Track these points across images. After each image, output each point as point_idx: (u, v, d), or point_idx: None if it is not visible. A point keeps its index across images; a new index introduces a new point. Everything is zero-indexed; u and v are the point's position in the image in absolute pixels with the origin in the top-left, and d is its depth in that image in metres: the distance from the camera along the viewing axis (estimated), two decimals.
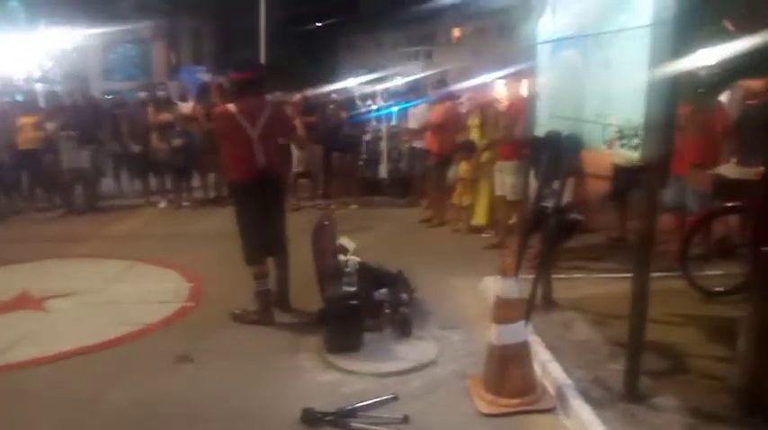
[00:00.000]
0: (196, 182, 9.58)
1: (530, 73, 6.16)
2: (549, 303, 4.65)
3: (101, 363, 4.07)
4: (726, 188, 4.94)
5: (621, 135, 4.04)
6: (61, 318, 4.90)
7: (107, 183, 9.89)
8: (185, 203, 9.20)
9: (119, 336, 4.45)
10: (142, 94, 9.69)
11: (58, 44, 15.73)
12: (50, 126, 8.66)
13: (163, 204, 9.20)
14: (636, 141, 3.76)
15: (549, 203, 4.48)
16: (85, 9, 16.31)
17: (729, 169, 5.10)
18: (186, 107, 9.23)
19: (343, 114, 9.22)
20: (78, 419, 3.39)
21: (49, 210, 9.00)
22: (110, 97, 11.46)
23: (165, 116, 9.05)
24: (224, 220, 8.12)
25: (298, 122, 5.96)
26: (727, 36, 3.72)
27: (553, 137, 4.97)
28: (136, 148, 9.13)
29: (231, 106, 4.52)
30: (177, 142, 8.91)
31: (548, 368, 3.66)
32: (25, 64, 14.08)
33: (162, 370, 3.95)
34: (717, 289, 4.74)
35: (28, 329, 4.62)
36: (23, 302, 5.17)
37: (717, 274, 4.87)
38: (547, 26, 5.50)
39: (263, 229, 4.64)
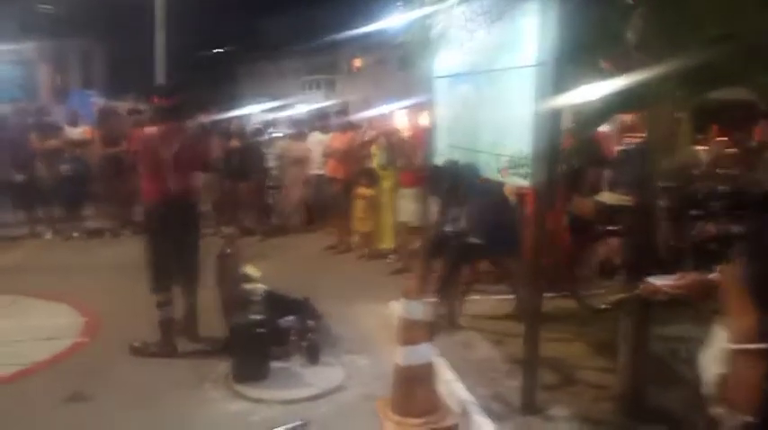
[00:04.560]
0: (88, 211, 9.09)
1: (428, 105, 6.46)
2: (453, 324, 4.84)
3: None
4: (605, 213, 5.39)
5: (513, 164, 4.34)
6: None
7: None
8: (75, 234, 8.70)
9: (3, 376, 4.14)
10: (27, 119, 9.11)
11: None
12: None
13: (49, 235, 8.64)
14: (525, 170, 4.06)
15: (450, 228, 4.70)
16: None
17: (608, 196, 5.58)
18: (77, 132, 8.80)
19: (239, 142, 9.10)
20: None
21: None
22: None
23: (52, 142, 8.58)
24: (120, 251, 7.85)
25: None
26: (605, 75, 4.11)
27: (451, 165, 5.24)
28: (18, 176, 8.54)
29: (149, 130, 4.58)
30: (66, 169, 8.46)
31: (451, 387, 3.81)
32: None
33: (51, 410, 3.72)
34: (601, 306, 5.14)
35: None
36: None
37: (601, 293, 5.28)
38: (444, 61, 5.82)
39: (175, 256, 4.58)
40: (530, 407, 3.45)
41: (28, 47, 17.31)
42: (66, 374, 4.22)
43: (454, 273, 4.99)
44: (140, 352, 4.51)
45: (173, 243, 4.55)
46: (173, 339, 4.56)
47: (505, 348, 4.40)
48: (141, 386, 4.03)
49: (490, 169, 4.93)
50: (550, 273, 5.71)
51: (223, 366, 4.18)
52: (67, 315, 5.39)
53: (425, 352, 3.60)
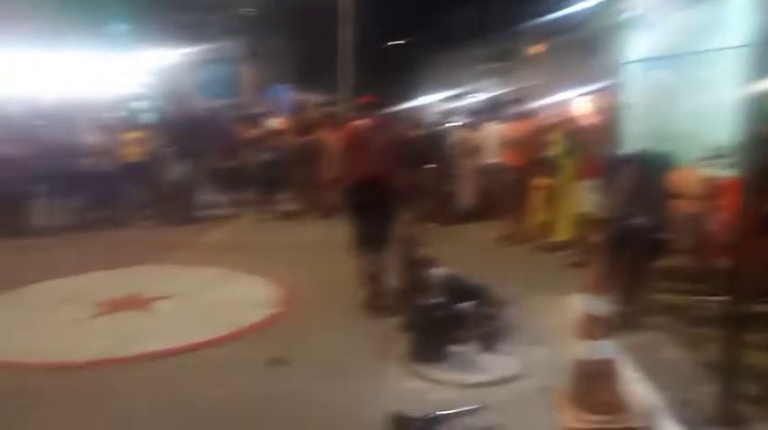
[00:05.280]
0: (283, 195, 10.02)
1: (614, 91, 6.15)
2: (637, 323, 4.61)
3: (202, 362, 4.39)
4: None
5: (713, 154, 4.01)
6: (166, 319, 5.31)
7: (200, 195, 10.49)
8: (271, 215, 9.64)
9: (217, 337, 4.78)
10: (235, 112, 10.27)
11: (157, 63, 16.84)
12: (155, 141, 9.33)
13: (251, 216, 9.68)
14: (727, 160, 3.74)
15: (637, 222, 4.47)
16: (180, 30, 17.38)
17: None
18: (275, 123, 9.73)
19: (419, 132, 9.41)
20: (182, 414, 3.66)
21: (150, 219, 9.63)
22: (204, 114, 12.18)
23: (255, 132, 9.58)
24: (310, 232, 8.55)
25: None
26: None
27: (641, 155, 4.97)
28: (227, 163, 9.69)
29: (359, 122, 5.64)
30: (265, 157, 9.40)
31: (636, 387, 3.65)
32: (128, 83, 15.18)
33: (257, 371, 4.21)
34: None
35: (139, 327, 5.06)
36: (133, 303, 5.62)
37: None
38: (636, 45, 5.51)
39: (372, 228, 5.36)
40: (728, 417, 3.19)
41: (233, 47, 19.32)
42: (267, 340, 4.76)
43: (640, 269, 4.75)
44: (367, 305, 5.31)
45: (371, 216, 5.32)
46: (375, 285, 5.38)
47: (697, 351, 4.09)
48: (331, 355, 4.41)
49: (686, 159, 4.61)
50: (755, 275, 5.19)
51: (404, 345, 4.39)
52: (266, 287, 6.03)
53: (607, 348, 3.49)
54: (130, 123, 10.06)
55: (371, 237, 5.38)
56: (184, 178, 9.32)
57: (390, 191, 5.45)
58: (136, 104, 13.67)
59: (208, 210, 10.20)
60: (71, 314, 5.32)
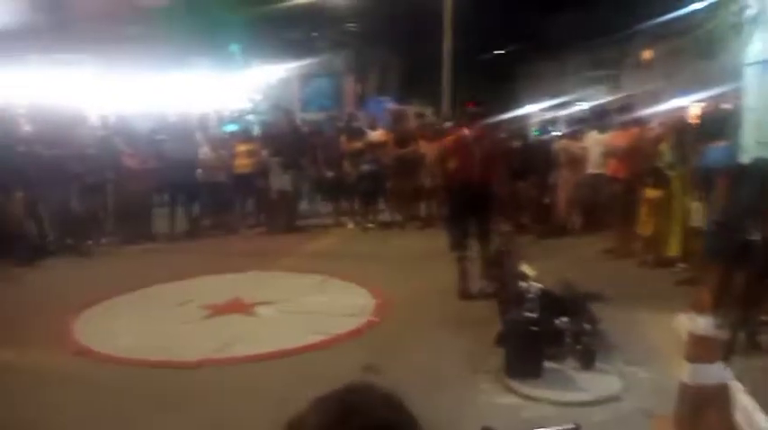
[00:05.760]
0: (381, 205, 10.18)
1: (731, 96, 5.75)
2: (754, 346, 4.25)
3: (297, 365, 4.54)
4: None
5: None
6: (266, 323, 5.55)
7: (303, 205, 10.88)
8: (370, 225, 9.81)
9: (313, 343, 4.93)
10: (337, 124, 10.56)
11: (264, 79, 17.73)
12: (264, 153, 9.80)
13: (351, 225, 9.90)
14: None
15: (756, 236, 4.14)
16: (287, 46, 18.20)
17: None
18: (376, 135, 9.91)
19: (520, 142, 9.25)
20: (281, 415, 3.79)
21: (256, 227, 10.10)
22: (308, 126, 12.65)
23: (356, 144, 9.80)
24: (407, 243, 8.61)
25: None
26: None
27: (761, 164, 4.62)
28: (329, 173, 9.98)
29: (465, 129, 6.03)
30: (366, 168, 9.59)
31: (752, 418, 3.35)
32: (238, 97, 16.09)
33: (350, 377, 4.24)
34: None
35: (242, 330, 5.32)
36: (237, 307, 5.91)
37: None
38: (756, 46, 5.14)
39: (471, 223, 5.90)
40: None
41: (337, 61, 19.96)
42: (362, 348, 4.83)
43: (757, 286, 4.38)
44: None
45: (467, 214, 5.86)
46: (468, 283, 5.86)
47: None
48: (422, 366, 4.41)
49: None
50: None
51: (496, 359, 4.31)
52: (363, 296, 6.14)
53: (718, 372, 3.21)
54: (241, 136, 10.59)
55: (469, 239, 5.77)
56: (289, 188, 9.69)
57: (489, 196, 5.77)
58: (246, 118, 14.42)
59: (310, 220, 10.56)
60: (180, 316, 5.69)
